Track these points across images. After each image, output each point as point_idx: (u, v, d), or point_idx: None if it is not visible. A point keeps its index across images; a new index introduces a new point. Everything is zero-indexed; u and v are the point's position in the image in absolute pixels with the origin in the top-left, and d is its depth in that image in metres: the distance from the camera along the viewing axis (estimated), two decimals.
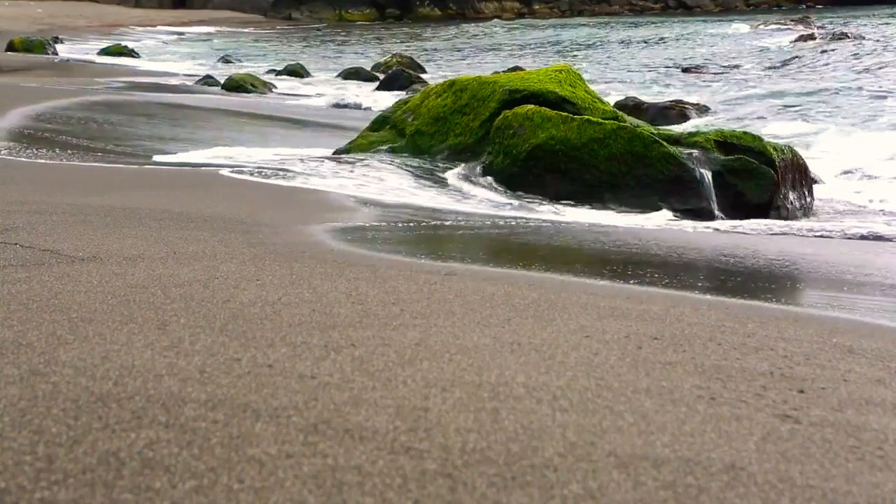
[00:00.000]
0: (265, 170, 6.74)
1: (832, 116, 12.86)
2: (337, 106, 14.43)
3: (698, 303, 3.29)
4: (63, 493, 1.55)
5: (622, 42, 32.33)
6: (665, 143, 6.39)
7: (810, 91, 15.72)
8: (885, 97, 14.27)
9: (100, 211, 4.39)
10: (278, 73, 19.76)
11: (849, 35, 25.99)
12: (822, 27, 29.64)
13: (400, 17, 61.09)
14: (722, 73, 19.76)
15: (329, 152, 8.12)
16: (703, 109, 13.80)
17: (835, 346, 2.77)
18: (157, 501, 1.55)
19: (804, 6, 55.96)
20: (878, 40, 25.33)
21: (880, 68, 18.62)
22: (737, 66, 20.59)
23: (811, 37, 26.30)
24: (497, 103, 7.29)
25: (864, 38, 25.69)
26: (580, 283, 3.61)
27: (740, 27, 34.30)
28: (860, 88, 15.53)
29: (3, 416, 1.83)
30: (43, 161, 6.61)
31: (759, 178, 6.35)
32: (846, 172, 8.58)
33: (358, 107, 14.26)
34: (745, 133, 6.73)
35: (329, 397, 2.02)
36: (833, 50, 23.02)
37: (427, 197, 6.32)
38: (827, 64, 20.23)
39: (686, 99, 14.81)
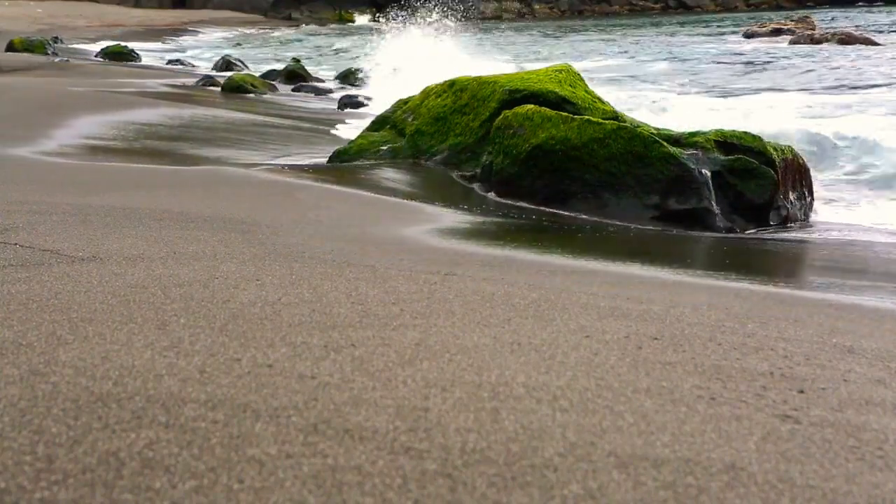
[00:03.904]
0: (266, 170, 6.74)
1: None
2: (338, 105, 14.43)
3: (698, 303, 3.29)
4: (63, 493, 1.55)
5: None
6: (665, 143, 6.38)
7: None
8: None
9: (100, 211, 4.39)
10: (278, 73, 19.74)
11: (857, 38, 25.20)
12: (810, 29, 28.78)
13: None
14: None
15: (327, 154, 8.12)
16: None
17: (835, 346, 2.77)
18: (157, 501, 1.55)
19: (806, 6, 55.87)
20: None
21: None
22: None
23: (811, 38, 26.03)
24: (497, 103, 7.29)
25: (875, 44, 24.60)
26: (580, 283, 3.61)
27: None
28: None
29: (3, 416, 1.83)
30: (42, 160, 6.61)
31: (760, 179, 6.34)
32: None
33: (358, 106, 14.26)
34: (745, 133, 6.71)
35: (329, 397, 2.02)
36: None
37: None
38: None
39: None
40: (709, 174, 6.33)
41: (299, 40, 40.74)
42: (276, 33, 45.86)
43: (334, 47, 34.26)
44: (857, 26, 32.06)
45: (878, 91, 14.35)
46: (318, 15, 61.51)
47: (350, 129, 11.04)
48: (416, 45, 18.05)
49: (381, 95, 14.03)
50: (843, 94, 14.11)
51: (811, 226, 6.48)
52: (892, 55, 21.06)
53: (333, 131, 11.21)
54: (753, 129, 6.83)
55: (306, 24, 55.53)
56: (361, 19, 59.29)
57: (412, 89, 8.66)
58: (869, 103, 12.61)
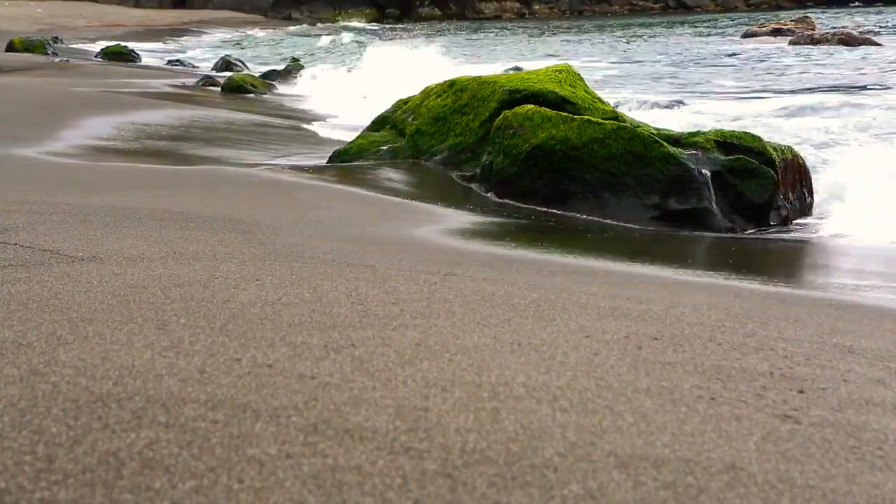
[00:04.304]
0: (266, 170, 6.74)
1: None
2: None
3: (698, 303, 3.29)
4: (63, 493, 1.55)
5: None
6: (665, 143, 6.38)
7: None
8: None
9: (100, 211, 4.39)
10: (278, 73, 19.72)
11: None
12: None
13: (400, 17, 61.18)
14: None
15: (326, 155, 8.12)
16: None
17: (835, 346, 2.77)
18: (157, 501, 1.55)
19: (806, 6, 55.81)
20: None
21: None
22: None
23: (811, 39, 25.89)
24: (497, 103, 7.29)
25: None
26: (580, 283, 3.61)
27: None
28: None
29: (3, 416, 1.83)
30: (43, 160, 6.61)
31: (760, 179, 6.34)
32: None
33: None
34: (745, 133, 6.71)
35: (329, 397, 2.02)
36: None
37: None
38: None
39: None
40: (709, 174, 6.33)
41: (279, 40, 40.69)
42: (262, 33, 45.81)
43: (323, 47, 34.25)
44: (858, 26, 32.01)
45: (873, 93, 14.30)
46: (318, 15, 61.54)
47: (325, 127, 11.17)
48: (407, 47, 18.13)
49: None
50: (832, 95, 14.05)
51: (811, 226, 6.47)
52: (892, 56, 20.95)
53: (309, 126, 11.25)
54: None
55: (293, 26, 55.63)
56: (350, 20, 59.28)
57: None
58: (853, 105, 12.57)
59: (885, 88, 14.79)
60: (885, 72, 17.66)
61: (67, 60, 20.80)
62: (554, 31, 41.64)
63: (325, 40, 35.25)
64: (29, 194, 4.84)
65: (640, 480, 1.72)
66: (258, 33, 46.02)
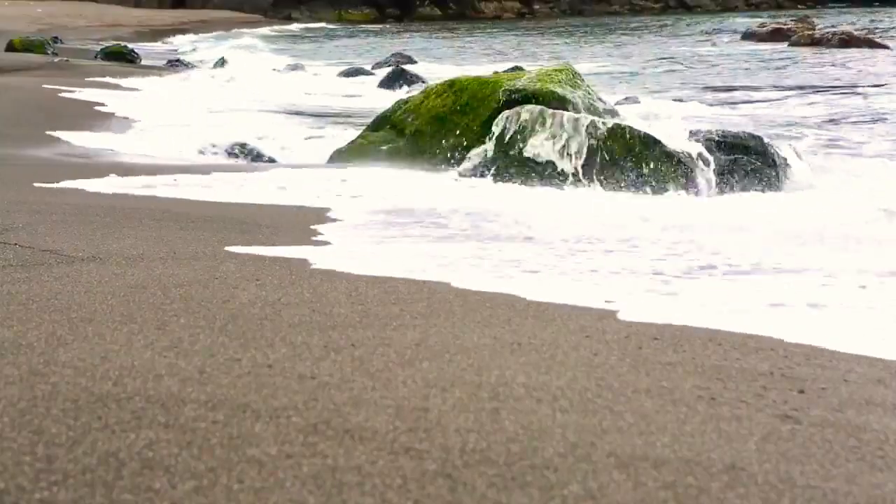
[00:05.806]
0: (267, 169, 6.74)
1: None
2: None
3: None
4: (63, 494, 1.55)
5: None
6: (665, 143, 6.38)
7: None
8: None
9: (100, 211, 4.39)
10: (278, 73, 19.73)
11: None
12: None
13: (400, 17, 61.19)
14: None
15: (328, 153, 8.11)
16: None
17: None
18: (157, 501, 1.55)
19: (807, 5, 55.83)
20: None
21: None
22: None
23: (811, 39, 25.68)
24: (497, 103, 7.29)
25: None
26: None
27: None
28: None
29: (3, 416, 1.83)
30: (42, 156, 6.62)
31: None
32: None
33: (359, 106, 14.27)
34: (746, 133, 6.72)
35: (329, 397, 2.02)
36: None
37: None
38: None
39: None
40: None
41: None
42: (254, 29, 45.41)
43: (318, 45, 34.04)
44: (863, 27, 31.93)
45: (857, 94, 14.23)
46: (317, 15, 61.54)
47: None
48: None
49: None
50: (811, 95, 14.04)
51: None
52: (894, 57, 20.88)
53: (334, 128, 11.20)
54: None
55: (265, 27, 54.80)
56: (331, 22, 58.61)
57: None
58: (834, 104, 12.59)
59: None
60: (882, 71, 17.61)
61: (67, 60, 20.76)
62: (556, 31, 41.63)
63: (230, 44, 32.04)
64: (29, 194, 4.84)
65: (640, 480, 1.72)
66: (195, 40, 43.92)
